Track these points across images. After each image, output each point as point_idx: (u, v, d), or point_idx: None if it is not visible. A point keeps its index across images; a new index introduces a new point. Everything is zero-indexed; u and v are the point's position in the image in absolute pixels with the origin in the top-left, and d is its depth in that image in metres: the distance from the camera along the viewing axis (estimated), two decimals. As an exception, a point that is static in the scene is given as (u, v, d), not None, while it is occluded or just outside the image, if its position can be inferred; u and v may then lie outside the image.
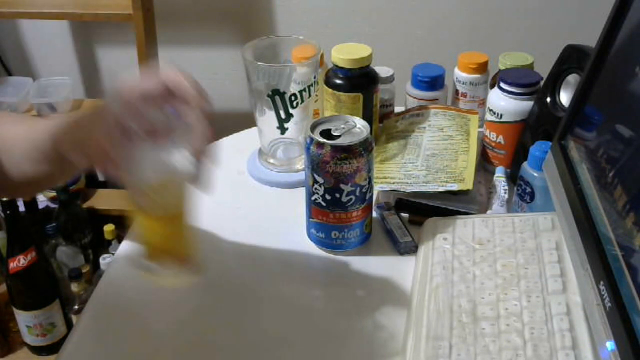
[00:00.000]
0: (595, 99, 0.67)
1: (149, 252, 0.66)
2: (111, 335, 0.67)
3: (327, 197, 0.72)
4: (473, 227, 0.75)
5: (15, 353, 1.64)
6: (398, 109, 1.00)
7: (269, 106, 0.83)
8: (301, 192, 0.76)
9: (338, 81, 0.87)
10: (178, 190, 0.63)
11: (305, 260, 0.77)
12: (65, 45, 1.99)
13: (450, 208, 0.80)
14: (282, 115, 0.84)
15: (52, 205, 1.83)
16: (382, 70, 0.96)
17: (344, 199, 0.72)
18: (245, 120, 0.93)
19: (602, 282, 0.55)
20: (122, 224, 1.70)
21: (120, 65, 1.97)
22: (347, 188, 0.71)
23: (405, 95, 0.98)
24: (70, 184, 1.81)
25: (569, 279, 0.66)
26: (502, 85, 0.85)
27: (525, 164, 0.78)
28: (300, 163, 0.88)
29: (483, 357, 0.60)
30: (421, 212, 0.81)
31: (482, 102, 0.97)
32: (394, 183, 0.82)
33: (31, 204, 1.67)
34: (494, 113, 0.87)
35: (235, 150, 0.95)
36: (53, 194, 1.77)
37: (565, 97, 0.82)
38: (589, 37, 0.74)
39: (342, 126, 0.72)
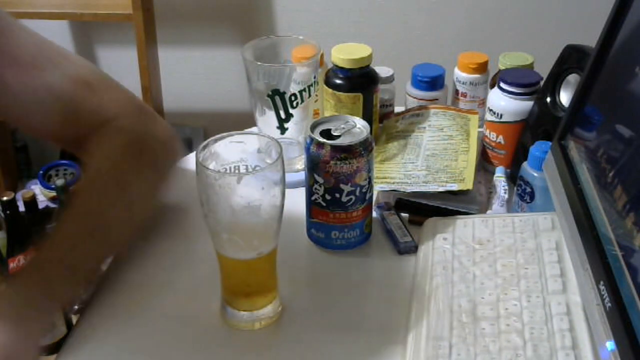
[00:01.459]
0: (595, 99, 0.67)
1: (230, 293, 0.67)
2: (111, 335, 0.67)
3: (327, 197, 0.72)
4: (473, 227, 0.75)
5: (15, 353, 1.64)
6: (398, 109, 1.00)
7: (269, 106, 0.83)
8: (301, 192, 0.76)
9: (338, 81, 0.87)
10: (262, 232, 0.63)
11: (305, 260, 0.77)
12: (65, 45, 1.97)
13: (450, 208, 0.80)
14: (282, 115, 0.84)
15: (52, 205, 1.83)
16: (382, 70, 0.96)
17: (344, 199, 0.72)
18: (245, 120, 0.93)
19: (602, 282, 0.55)
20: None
21: (120, 65, 1.97)
22: (347, 188, 0.71)
23: (405, 95, 0.98)
24: (70, 184, 1.80)
25: (569, 279, 0.66)
26: (502, 85, 0.85)
27: (525, 164, 0.78)
28: (300, 163, 0.88)
29: (483, 357, 0.60)
30: (421, 212, 0.81)
31: (482, 102, 0.97)
32: (394, 183, 0.82)
33: (31, 204, 1.67)
34: (494, 113, 0.87)
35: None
36: (53, 194, 1.77)
37: (565, 97, 0.82)
38: (589, 37, 0.74)
39: (342, 126, 0.72)
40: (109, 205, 0.72)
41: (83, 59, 0.79)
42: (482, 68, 0.95)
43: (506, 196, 0.81)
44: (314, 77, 0.84)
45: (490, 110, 0.87)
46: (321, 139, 0.70)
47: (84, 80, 0.76)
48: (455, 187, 0.80)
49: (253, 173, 0.62)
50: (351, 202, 0.72)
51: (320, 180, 0.71)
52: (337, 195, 0.71)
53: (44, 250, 0.68)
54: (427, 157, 0.86)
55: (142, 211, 0.76)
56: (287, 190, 0.64)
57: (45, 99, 0.74)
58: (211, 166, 0.61)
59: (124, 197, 0.74)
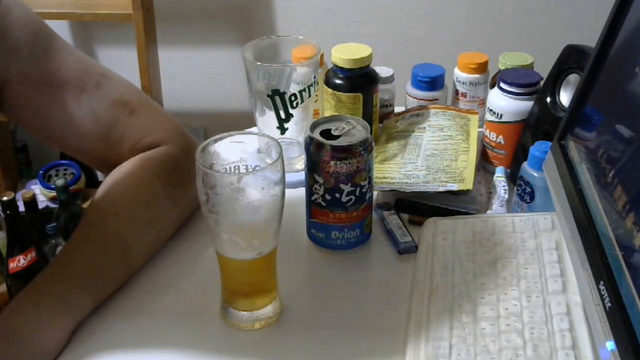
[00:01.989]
0: (595, 99, 0.67)
1: (230, 293, 0.67)
2: (111, 334, 0.67)
3: (327, 197, 0.72)
4: (473, 227, 0.75)
5: (15, 353, 1.64)
6: (398, 109, 1.00)
7: (269, 106, 0.83)
8: (301, 192, 0.76)
9: (338, 81, 0.87)
10: (262, 232, 0.63)
11: (305, 260, 0.77)
12: (65, 45, 1.99)
13: (450, 208, 0.80)
14: (282, 115, 0.84)
15: (52, 205, 1.83)
16: (382, 70, 0.96)
17: (344, 199, 0.72)
18: (245, 120, 0.93)
19: (602, 282, 0.55)
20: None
21: (120, 65, 1.97)
22: (347, 188, 0.71)
23: (405, 95, 0.98)
24: (70, 184, 1.80)
25: (569, 279, 0.66)
26: (502, 85, 0.85)
27: (525, 164, 0.78)
28: (300, 163, 0.88)
29: (483, 357, 0.60)
30: (421, 212, 0.81)
31: (482, 102, 0.97)
32: (394, 183, 0.82)
33: (31, 204, 1.67)
34: (494, 113, 0.87)
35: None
36: (53, 194, 1.77)
37: (565, 97, 0.82)
38: (589, 37, 0.74)
39: (342, 126, 0.72)
40: (138, 236, 0.73)
41: (124, 79, 0.79)
42: (482, 68, 0.95)
43: (506, 196, 0.81)
44: (314, 77, 0.84)
45: (490, 110, 0.87)
46: (321, 139, 0.70)
47: (125, 103, 0.76)
48: (455, 187, 0.80)
49: (253, 173, 0.62)
50: (351, 202, 0.72)
51: (320, 180, 0.71)
52: (337, 195, 0.71)
53: (63, 265, 0.69)
54: (427, 157, 0.86)
55: (167, 237, 0.77)
56: (287, 190, 0.64)
57: (87, 123, 0.74)
58: (211, 166, 0.61)
59: (155, 228, 0.75)
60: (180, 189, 0.77)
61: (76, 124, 0.73)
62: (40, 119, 0.73)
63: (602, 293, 0.55)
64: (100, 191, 0.74)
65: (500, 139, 0.87)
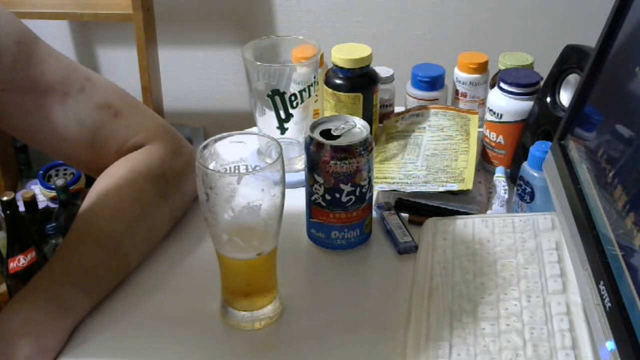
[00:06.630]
0: (595, 99, 0.67)
1: (230, 293, 0.67)
2: (111, 335, 0.67)
3: (327, 197, 0.72)
4: (473, 227, 0.75)
5: (15, 353, 1.64)
6: (398, 109, 1.00)
7: (269, 106, 0.83)
8: (301, 192, 0.76)
9: (338, 81, 0.88)
10: (262, 232, 0.63)
11: (305, 260, 0.77)
12: (65, 45, 1.99)
13: (450, 208, 0.80)
14: (282, 115, 0.84)
15: (52, 205, 1.83)
16: (382, 70, 0.96)
17: (344, 199, 0.72)
18: (245, 120, 0.93)
19: (602, 282, 0.55)
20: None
21: (120, 65, 1.98)
22: (347, 188, 0.71)
23: (405, 95, 0.98)
24: (70, 184, 1.81)
25: (569, 279, 0.66)
26: (502, 85, 0.85)
27: (525, 164, 0.78)
28: (300, 163, 0.88)
29: (483, 357, 0.60)
30: (421, 212, 0.81)
31: (482, 102, 0.97)
32: (394, 183, 0.82)
33: (31, 204, 1.67)
34: (494, 113, 0.87)
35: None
36: (53, 194, 1.77)
37: (565, 97, 0.82)
38: (589, 37, 0.74)
39: (342, 126, 0.72)
40: (129, 232, 0.72)
41: (108, 81, 0.79)
42: (482, 68, 0.95)
43: (506, 196, 0.81)
44: (314, 77, 0.84)
45: (490, 110, 0.87)
46: (321, 139, 0.70)
47: (110, 105, 0.76)
48: (455, 187, 0.80)
49: (253, 173, 0.62)
50: (351, 202, 0.72)
51: (320, 180, 0.71)
52: (337, 195, 0.71)
53: (57, 266, 0.69)
54: (427, 157, 0.86)
55: (161, 234, 0.77)
56: (287, 190, 0.64)
57: (73, 128, 0.74)
58: (211, 166, 0.61)
59: (145, 224, 0.75)
60: (167, 184, 0.77)
61: (62, 129, 0.74)
62: (26, 125, 0.73)
63: (602, 293, 0.55)
64: (88, 194, 0.75)
65: (500, 139, 0.87)
